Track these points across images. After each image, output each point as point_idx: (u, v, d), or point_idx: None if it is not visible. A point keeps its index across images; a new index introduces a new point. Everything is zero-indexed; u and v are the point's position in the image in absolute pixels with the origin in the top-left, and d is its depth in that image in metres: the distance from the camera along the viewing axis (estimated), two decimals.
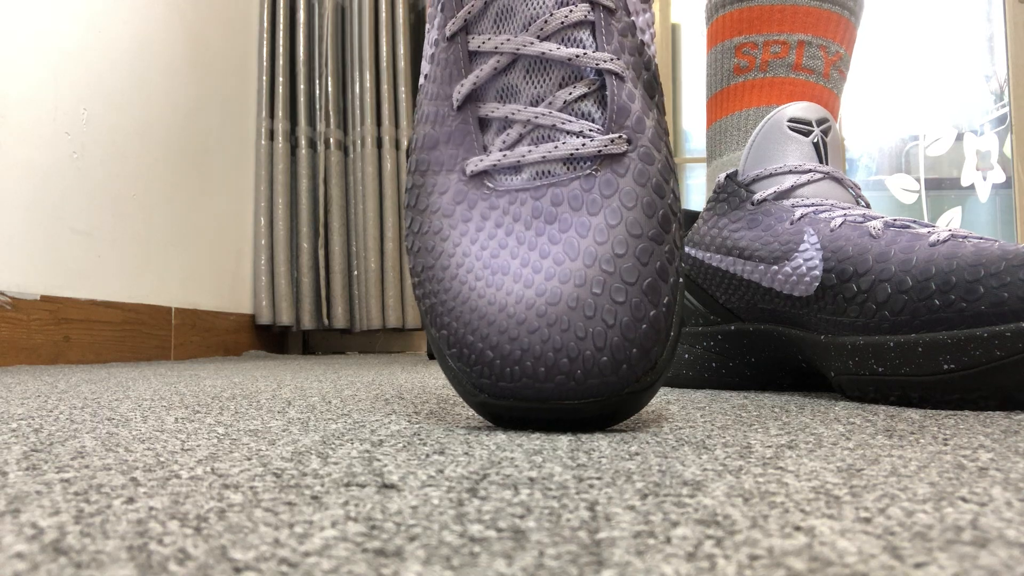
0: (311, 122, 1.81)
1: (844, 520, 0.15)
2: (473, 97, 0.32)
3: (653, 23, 0.34)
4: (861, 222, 0.44)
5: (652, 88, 0.32)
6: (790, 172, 0.49)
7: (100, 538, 0.14)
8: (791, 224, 0.46)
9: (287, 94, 1.78)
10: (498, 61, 0.31)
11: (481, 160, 0.31)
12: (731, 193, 0.50)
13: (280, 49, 1.78)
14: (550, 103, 0.30)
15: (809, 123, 0.50)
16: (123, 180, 1.27)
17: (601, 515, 0.15)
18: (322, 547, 0.13)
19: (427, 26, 0.35)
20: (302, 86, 1.79)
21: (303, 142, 1.79)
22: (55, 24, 1.13)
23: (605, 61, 0.30)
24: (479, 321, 0.28)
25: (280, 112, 1.76)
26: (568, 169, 0.30)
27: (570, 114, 0.30)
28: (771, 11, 0.59)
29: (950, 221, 1.89)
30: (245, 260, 1.69)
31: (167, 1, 1.41)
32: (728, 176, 0.51)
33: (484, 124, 0.32)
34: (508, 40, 0.30)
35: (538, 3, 0.30)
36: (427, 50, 0.34)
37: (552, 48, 0.30)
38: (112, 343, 1.21)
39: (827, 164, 0.50)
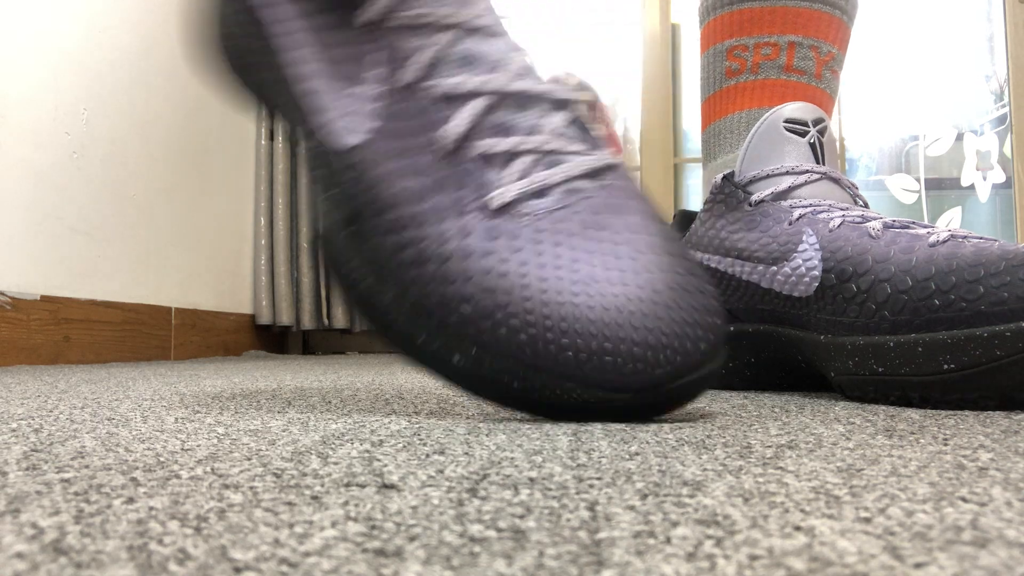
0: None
1: (844, 520, 0.15)
2: (467, 138, 0.32)
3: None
4: (860, 222, 0.44)
5: None
6: (787, 173, 0.49)
7: (100, 538, 0.14)
8: (789, 225, 0.46)
9: None
10: (488, 100, 0.33)
11: (506, 191, 0.32)
12: (728, 194, 0.50)
13: None
14: (550, 131, 0.33)
15: (805, 123, 0.50)
16: (123, 180, 1.27)
17: (601, 515, 0.15)
18: (322, 547, 0.13)
19: (325, 89, 0.34)
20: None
21: (303, 142, 1.79)
22: (55, 24, 1.13)
23: (568, 93, 0.34)
24: (607, 328, 0.30)
25: None
26: (590, 183, 0.33)
27: (566, 139, 0.33)
28: (761, 13, 0.59)
29: (950, 221, 1.89)
30: (245, 260, 1.69)
31: (167, 1, 1.41)
32: (725, 177, 0.51)
33: (486, 160, 0.32)
34: (490, 80, 0.33)
35: (496, 49, 0.34)
36: (351, 107, 0.33)
37: (531, 85, 0.33)
38: (112, 343, 1.21)
39: (824, 164, 0.50)
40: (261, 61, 0.36)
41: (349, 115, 0.33)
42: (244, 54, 0.37)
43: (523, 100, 0.33)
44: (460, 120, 0.32)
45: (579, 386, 0.30)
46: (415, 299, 0.32)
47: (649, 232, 0.32)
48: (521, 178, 0.32)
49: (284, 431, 0.28)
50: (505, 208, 0.32)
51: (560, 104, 0.34)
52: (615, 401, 0.31)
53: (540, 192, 0.32)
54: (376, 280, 0.33)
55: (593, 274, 0.31)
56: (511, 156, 0.32)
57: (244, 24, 0.36)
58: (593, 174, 0.33)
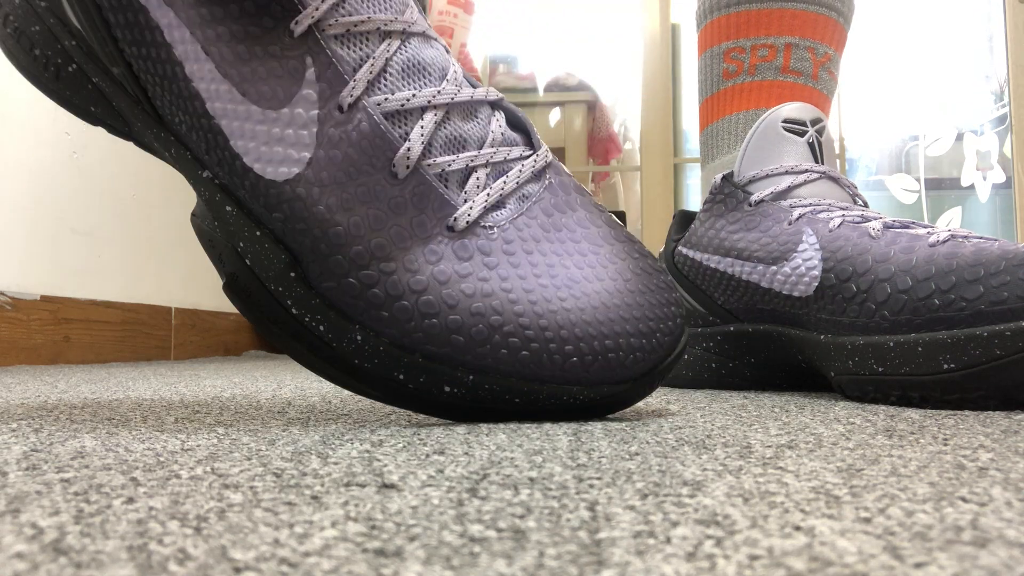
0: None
1: (844, 520, 0.15)
2: (422, 157, 0.30)
3: None
4: (860, 222, 0.44)
5: None
6: (787, 172, 0.49)
7: (100, 538, 0.14)
8: (789, 224, 0.46)
9: None
10: (435, 115, 0.30)
11: (471, 209, 0.30)
12: (728, 194, 0.50)
13: None
14: (493, 140, 0.32)
15: (804, 123, 0.50)
16: (123, 180, 1.27)
17: (601, 515, 0.15)
18: (322, 547, 0.13)
19: (252, 117, 0.29)
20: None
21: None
22: None
23: (495, 92, 0.33)
24: (603, 325, 0.31)
25: None
26: (536, 185, 0.33)
27: (508, 144, 0.33)
28: (758, 15, 0.59)
29: (950, 221, 1.89)
30: None
31: None
32: (724, 177, 0.51)
33: (444, 179, 0.30)
34: (438, 93, 0.30)
35: (435, 56, 0.32)
36: (281, 132, 0.29)
37: (474, 92, 0.32)
38: (112, 343, 1.21)
39: (822, 164, 0.50)
40: (147, 70, 0.30)
41: (276, 144, 0.29)
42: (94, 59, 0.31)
43: (469, 109, 0.32)
44: (415, 139, 0.29)
45: (585, 388, 0.30)
46: (393, 339, 0.29)
47: (596, 224, 0.33)
48: (480, 192, 0.31)
49: (284, 431, 0.28)
50: (472, 227, 0.30)
51: (495, 105, 0.33)
52: (618, 394, 0.31)
53: (498, 204, 0.31)
54: (335, 326, 0.29)
55: (571, 275, 0.31)
56: (468, 171, 0.31)
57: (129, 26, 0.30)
58: (537, 175, 0.33)
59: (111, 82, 0.31)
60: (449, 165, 0.30)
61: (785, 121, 0.50)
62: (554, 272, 0.31)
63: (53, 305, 1.09)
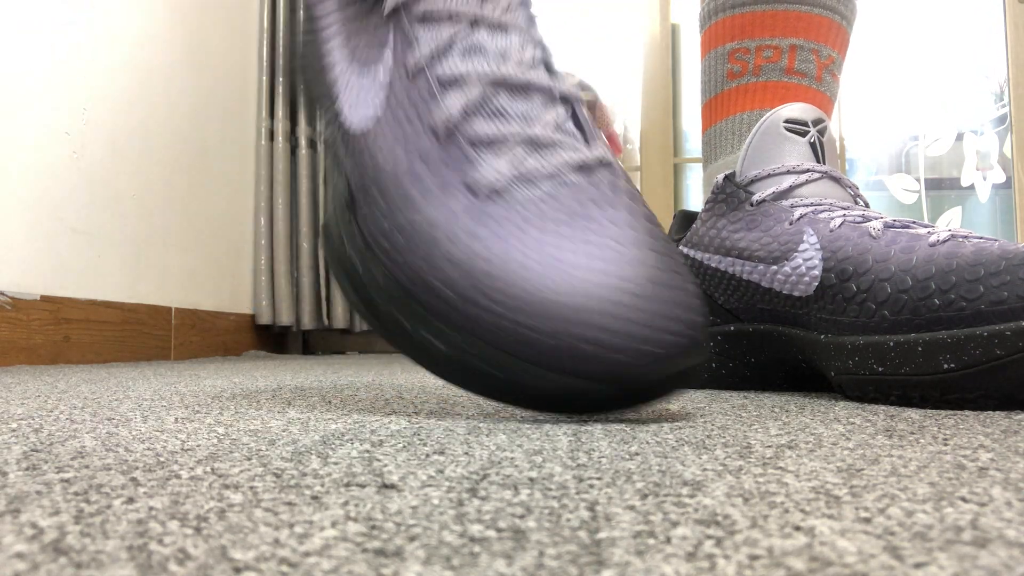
0: (311, 122, 1.81)
1: (844, 520, 0.15)
2: (461, 121, 0.33)
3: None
4: (860, 222, 0.44)
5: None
6: (788, 172, 0.49)
7: (100, 538, 0.14)
8: (790, 224, 0.46)
9: (287, 94, 1.78)
10: (486, 86, 0.34)
11: (497, 177, 0.32)
12: (729, 194, 0.50)
13: (280, 49, 1.78)
14: (547, 122, 0.34)
15: (805, 123, 0.50)
16: (123, 180, 1.27)
17: (601, 515, 0.15)
18: (322, 547, 0.13)
19: (347, 77, 0.36)
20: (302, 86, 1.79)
21: (303, 142, 1.79)
22: (55, 24, 1.13)
23: (572, 90, 0.35)
24: (585, 316, 0.30)
25: (280, 112, 1.76)
26: (582, 177, 0.33)
27: (562, 132, 0.34)
28: (763, 17, 0.59)
29: (950, 221, 1.89)
30: (245, 260, 1.69)
31: (167, 1, 1.41)
32: (726, 177, 0.51)
33: (477, 145, 0.33)
34: (492, 68, 0.34)
35: (509, 43, 0.35)
36: (364, 92, 0.35)
37: (535, 76, 0.34)
38: (112, 343, 1.21)
39: (824, 164, 0.50)
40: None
41: (362, 100, 0.35)
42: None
43: (523, 90, 0.34)
44: (453, 103, 0.33)
45: (558, 374, 0.30)
46: (403, 283, 0.32)
47: (634, 228, 0.33)
48: (512, 165, 0.33)
49: (284, 431, 0.28)
50: (494, 194, 0.32)
51: (562, 99, 0.35)
52: (592, 392, 0.31)
53: (530, 180, 0.33)
54: (368, 266, 0.33)
55: (575, 263, 0.31)
56: (503, 142, 0.33)
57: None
58: (585, 168, 0.33)
59: None
60: (485, 132, 0.33)
61: (787, 121, 0.50)
62: (560, 256, 0.31)
63: (53, 305, 1.09)
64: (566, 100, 0.35)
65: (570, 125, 0.35)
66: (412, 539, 0.14)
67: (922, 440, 0.26)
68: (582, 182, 0.33)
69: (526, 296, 0.30)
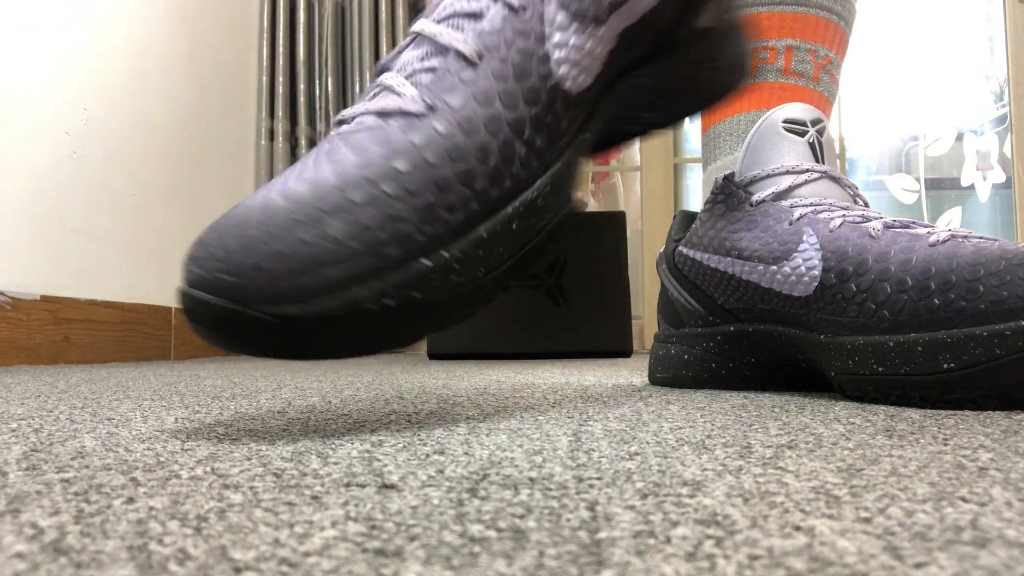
0: (311, 122, 1.81)
1: (844, 520, 0.15)
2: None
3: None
4: (860, 222, 0.44)
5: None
6: (787, 172, 0.49)
7: (100, 538, 0.14)
8: (790, 224, 0.46)
9: (287, 94, 1.78)
10: (409, 39, 0.35)
11: (344, 112, 0.35)
12: (729, 194, 0.50)
13: (280, 49, 1.78)
14: (400, 67, 0.34)
15: (804, 124, 0.50)
16: (123, 180, 1.27)
17: (601, 515, 0.15)
18: (322, 547, 0.13)
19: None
20: (302, 86, 1.79)
21: (303, 142, 1.79)
22: (55, 24, 1.13)
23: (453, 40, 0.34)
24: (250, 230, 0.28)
25: (280, 112, 1.76)
26: (378, 120, 0.32)
27: (400, 78, 0.34)
28: (759, 18, 0.60)
29: (950, 221, 1.89)
30: None
31: (167, 1, 1.41)
32: (726, 177, 0.51)
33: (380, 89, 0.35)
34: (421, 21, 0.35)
35: None
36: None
37: (437, 29, 0.34)
38: (112, 343, 1.21)
39: (823, 164, 0.50)
40: None
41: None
42: None
43: (422, 41, 0.35)
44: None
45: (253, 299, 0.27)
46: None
47: (371, 163, 0.31)
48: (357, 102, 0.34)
49: (284, 431, 0.28)
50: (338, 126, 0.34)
51: (441, 49, 0.34)
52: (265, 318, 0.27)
53: (346, 118, 0.34)
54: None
55: (285, 182, 0.30)
56: (374, 87, 0.34)
57: None
58: (383, 114, 0.33)
59: None
60: (386, 81, 0.35)
61: (785, 121, 0.50)
62: (286, 176, 0.30)
63: (53, 305, 1.09)
64: (445, 50, 0.35)
65: (417, 71, 0.35)
66: (412, 539, 0.14)
67: (922, 440, 0.26)
68: (375, 124, 0.33)
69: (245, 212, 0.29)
